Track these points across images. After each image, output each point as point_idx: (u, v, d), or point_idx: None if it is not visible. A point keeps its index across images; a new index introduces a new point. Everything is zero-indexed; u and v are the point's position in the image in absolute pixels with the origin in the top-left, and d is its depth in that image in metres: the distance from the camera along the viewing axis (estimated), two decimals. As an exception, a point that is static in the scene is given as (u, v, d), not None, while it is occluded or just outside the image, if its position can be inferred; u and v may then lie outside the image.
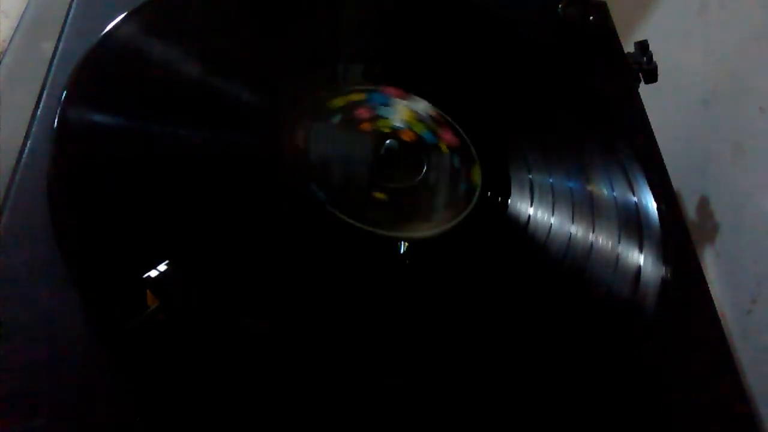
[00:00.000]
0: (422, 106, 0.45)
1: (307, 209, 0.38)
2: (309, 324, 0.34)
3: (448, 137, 0.44)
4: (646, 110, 0.53)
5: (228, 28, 0.45)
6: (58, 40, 0.40)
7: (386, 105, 0.44)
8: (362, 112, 0.43)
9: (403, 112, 0.44)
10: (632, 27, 0.78)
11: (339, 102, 0.43)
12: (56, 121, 0.35)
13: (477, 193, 0.42)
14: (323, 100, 0.43)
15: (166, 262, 0.31)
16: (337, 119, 0.43)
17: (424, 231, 0.39)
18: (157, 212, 0.35)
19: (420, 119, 0.44)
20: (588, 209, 0.43)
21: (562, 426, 0.34)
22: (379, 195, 0.40)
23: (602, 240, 0.42)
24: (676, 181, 0.50)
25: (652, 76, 0.54)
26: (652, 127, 0.52)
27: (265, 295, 0.34)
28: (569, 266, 0.40)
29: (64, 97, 0.36)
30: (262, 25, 0.46)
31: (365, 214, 0.38)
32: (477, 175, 0.42)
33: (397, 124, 0.43)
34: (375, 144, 0.42)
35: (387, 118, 0.43)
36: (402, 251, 0.38)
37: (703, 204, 0.62)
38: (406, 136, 0.43)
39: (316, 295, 0.35)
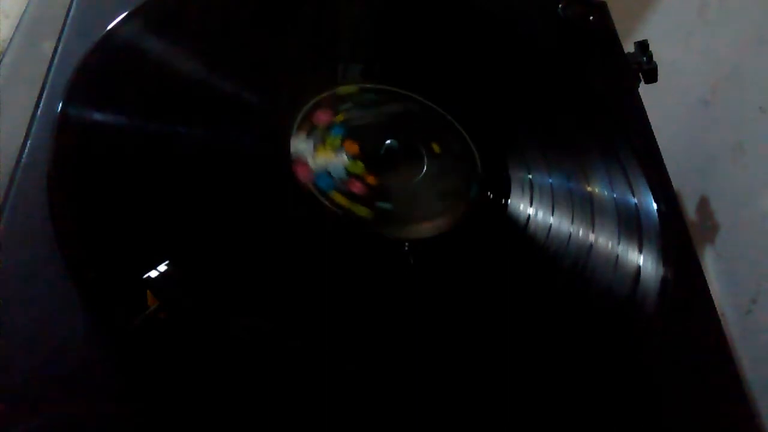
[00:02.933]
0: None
1: (294, 190, 0.38)
2: (309, 324, 0.34)
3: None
4: (646, 110, 0.53)
5: (228, 28, 0.45)
6: (58, 40, 0.40)
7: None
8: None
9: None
10: (632, 27, 0.78)
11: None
12: (56, 121, 0.35)
13: (465, 213, 0.41)
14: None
15: (167, 262, 0.31)
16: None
17: (424, 231, 0.39)
18: (157, 212, 0.35)
19: None
20: (588, 209, 0.43)
21: (563, 426, 0.34)
22: (384, 205, 0.40)
23: (602, 240, 0.42)
24: (676, 181, 0.50)
25: (652, 76, 0.54)
26: (652, 127, 0.52)
27: (266, 295, 0.34)
28: (569, 266, 0.40)
29: (64, 97, 0.36)
30: (262, 25, 0.46)
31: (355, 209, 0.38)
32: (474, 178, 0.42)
33: None
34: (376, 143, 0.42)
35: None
36: (404, 251, 0.38)
37: (703, 204, 0.62)
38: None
39: (317, 295, 0.35)
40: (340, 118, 0.42)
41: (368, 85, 0.44)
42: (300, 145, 0.39)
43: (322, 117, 0.41)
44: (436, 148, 0.43)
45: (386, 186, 0.41)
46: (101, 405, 0.29)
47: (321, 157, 0.40)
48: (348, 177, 0.40)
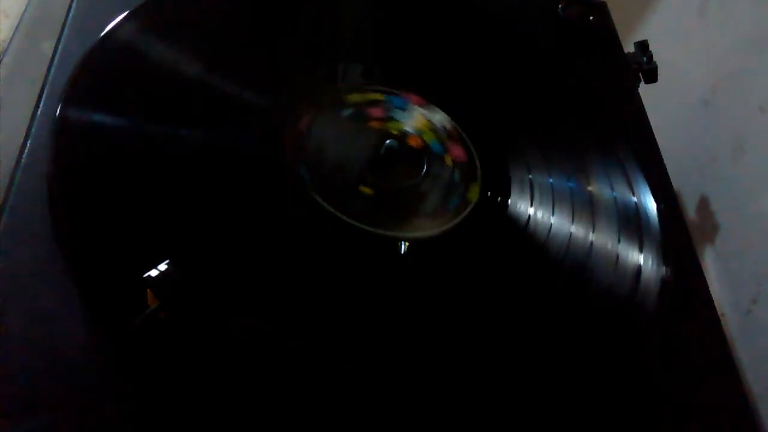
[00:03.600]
0: (439, 117, 0.45)
1: (292, 191, 0.38)
2: (309, 324, 0.34)
3: (456, 152, 0.43)
4: (646, 110, 0.53)
5: (228, 28, 0.45)
6: (58, 40, 0.40)
7: (403, 109, 0.44)
8: (375, 111, 0.43)
9: (418, 119, 0.44)
10: (632, 27, 0.78)
11: (356, 97, 0.44)
12: (56, 121, 0.35)
13: (466, 212, 0.41)
14: (341, 93, 0.44)
15: (167, 261, 0.31)
16: (347, 112, 0.43)
17: (425, 231, 0.39)
18: (157, 212, 0.35)
19: (433, 129, 0.44)
20: (588, 209, 0.43)
21: (563, 426, 0.34)
22: (365, 189, 0.40)
23: (602, 240, 0.42)
24: (676, 181, 0.50)
25: (652, 76, 0.54)
26: (652, 127, 0.52)
27: (266, 295, 0.34)
28: (569, 266, 0.40)
29: (64, 97, 0.36)
30: (262, 25, 0.46)
31: (347, 206, 0.38)
32: (474, 194, 0.42)
33: (408, 129, 0.43)
34: (377, 142, 0.42)
35: (399, 122, 0.43)
36: (402, 251, 0.38)
37: (703, 204, 0.62)
38: (413, 142, 0.43)
39: (317, 295, 0.35)
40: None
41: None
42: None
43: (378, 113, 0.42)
44: (441, 159, 0.43)
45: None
46: (101, 405, 0.29)
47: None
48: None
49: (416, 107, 0.45)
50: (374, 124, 0.43)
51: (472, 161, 0.44)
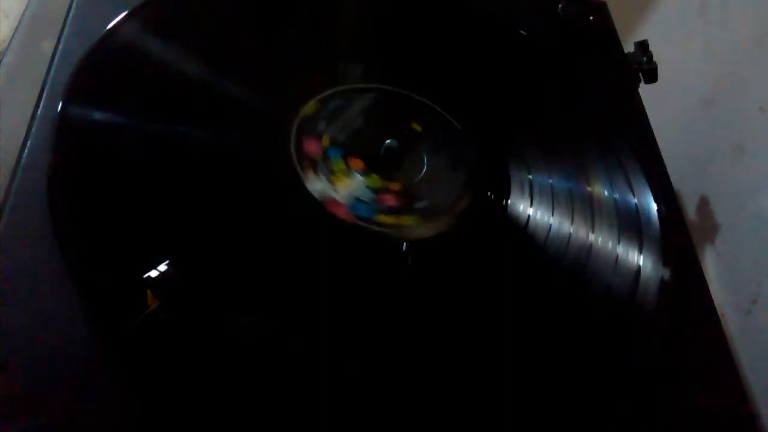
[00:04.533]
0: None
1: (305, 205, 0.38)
2: (309, 324, 0.34)
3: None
4: (646, 110, 0.53)
5: (228, 28, 0.45)
6: (58, 40, 0.40)
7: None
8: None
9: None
10: (632, 27, 0.78)
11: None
12: (56, 121, 0.35)
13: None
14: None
15: (167, 262, 0.31)
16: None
17: (424, 231, 0.39)
18: (157, 212, 0.35)
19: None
20: (588, 209, 0.43)
21: (563, 426, 0.34)
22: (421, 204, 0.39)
23: (602, 240, 0.42)
24: (676, 181, 0.50)
25: (652, 76, 0.54)
26: (652, 127, 0.52)
27: (266, 295, 0.34)
28: (569, 266, 0.40)
29: (65, 96, 0.36)
30: (262, 25, 0.46)
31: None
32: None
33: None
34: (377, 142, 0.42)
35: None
36: (403, 251, 0.38)
37: (703, 204, 0.62)
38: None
39: (317, 295, 0.35)
40: (326, 141, 0.41)
41: (324, 95, 0.43)
42: (316, 185, 0.38)
43: (312, 147, 0.40)
44: (416, 126, 0.43)
45: (410, 185, 0.41)
46: (101, 405, 0.29)
47: (341, 186, 0.39)
48: (376, 194, 0.40)
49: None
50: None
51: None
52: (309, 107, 0.42)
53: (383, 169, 0.41)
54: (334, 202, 0.38)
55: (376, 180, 0.40)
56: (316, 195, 0.38)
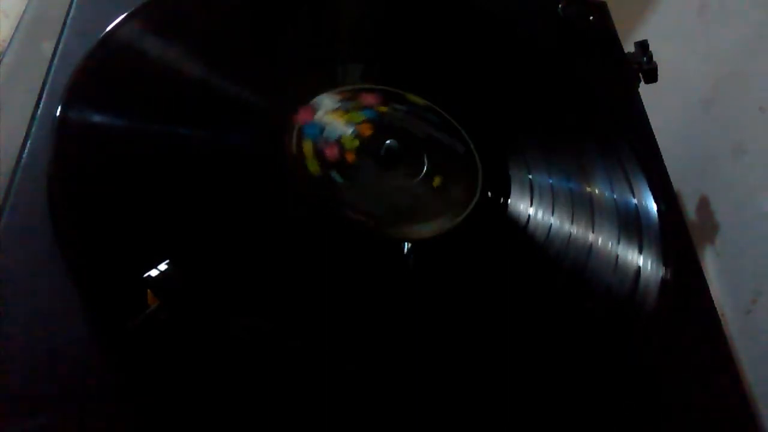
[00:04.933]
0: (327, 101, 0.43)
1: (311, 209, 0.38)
2: (309, 324, 0.34)
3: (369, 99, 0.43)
4: (646, 110, 0.53)
5: (228, 28, 0.45)
6: (58, 40, 0.40)
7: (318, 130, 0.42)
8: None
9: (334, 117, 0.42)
10: (632, 27, 0.78)
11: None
12: (56, 121, 0.35)
13: (466, 212, 0.41)
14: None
15: (167, 261, 0.31)
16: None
17: (425, 231, 0.39)
18: (157, 212, 0.35)
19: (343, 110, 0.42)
20: (588, 209, 0.43)
21: (563, 426, 0.34)
22: (335, 176, 0.39)
23: (602, 240, 0.42)
24: (676, 181, 0.50)
25: (652, 76, 0.54)
26: (652, 127, 0.52)
27: (266, 295, 0.34)
28: (569, 266, 0.40)
29: (64, 97, 0.36)
30: (262, 25, 0.46)
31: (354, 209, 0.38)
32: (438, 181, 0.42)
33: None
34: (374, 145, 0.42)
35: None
36: (405, 252, 0.38)
37: (703, 204, 0.62)
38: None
39: (317, 295, 0.35)
40: (383, 108, 0.42)
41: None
42: (326, 100, 0.39)
43: (371, 100, 0.41)
44: (437, 181, 0.43)
45: (355, 167, 0.40)
46: (101, 405, 0.29)
47: (330, 117, 0.40)
48: (333, 142, 0.40)
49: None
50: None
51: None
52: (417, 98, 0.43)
53: (382, 168, 0.41)
54: (310, 112, 0.39)
55: (352, 143, 0.41)
56: (313, 99, 0.39)
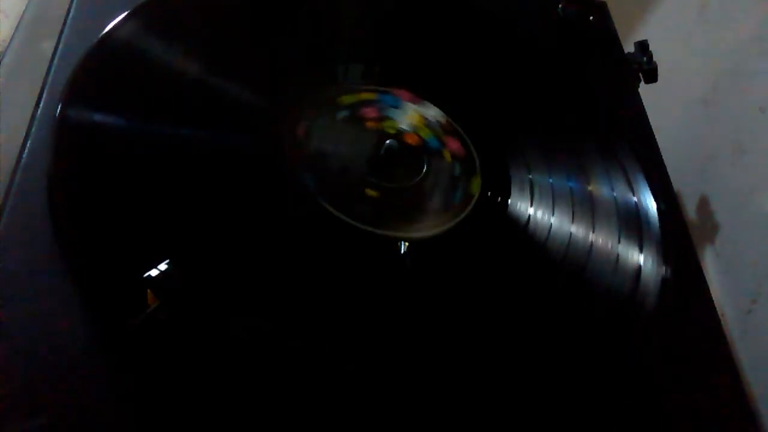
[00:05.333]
0: (433, 112, 0.45)
1: (299, 199, 0.38)
2: (309, 324, 0.34)
3: (454, 146, 0.43)
4: (646, 110, 0.53)
5: (228, 28, 0.45)
6: (58, 40, 0.40)
7: (396, 107, 0.44)
8: (370, 111, 0.43)
9: (412, 116, 0.44)
10: (632, 27, 0.78)
11: (349, 99, 0.44)
12: (56, 121, 0.35)
13: (473, 202, 0.41)
14: (334, 96, 0.43)
15: (167, 261, 0.31)
16: (343, 115, 0.43)
17: (425, 231, 0.39)
18: (157, 212, 0.35)
19: (428, 125, 0.44)
20: (588, 209, 0.43)
21: (563, 426, 0.34)
22: (371, 192, 0.40)
23: (602, 240, 0.42)
24: (676, 181, 0.50)
25: (652, 76, 0.54)
26: (652, 127, 0.52)
27: (266, 295, 0.34)
28: (569, 266, 0.40)
29: (64, 97, 0.36)
30: (262, 25, 0.46)
31: (355, 209, 0.38)
32: (476, 186, 0.42)
33: (404, 126, 0.43)
34: (376, 143, 0.42)
35: (394, 120, 0.43)
36: (402, 251, 0.38)
37: (703, 204, 0.62)
38: (411, 140, 0.43)
39: (317, 295, 0.35)
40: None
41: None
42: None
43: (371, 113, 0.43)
44: (440, 155, 0.43)
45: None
46: (101, 405, 0.29)
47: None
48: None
49: (409, 104, 0.45)
50: (370, 125, 0.43)
51: (470, 154, 0.44)
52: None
53: (384, 169, 0.41)
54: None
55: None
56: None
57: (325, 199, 0.38)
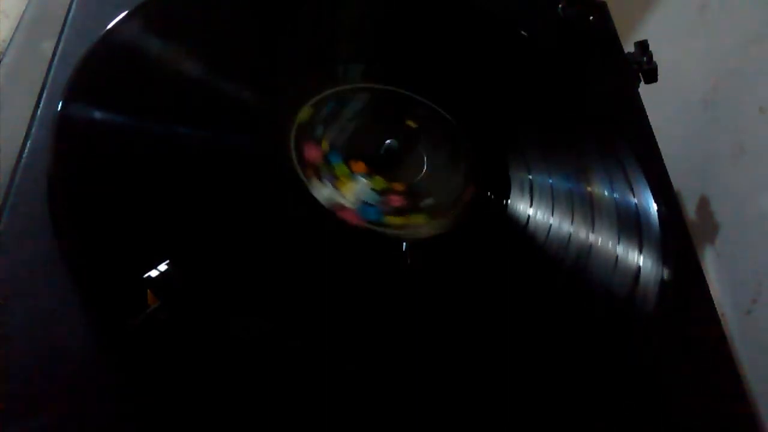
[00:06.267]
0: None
1: (292, 189, 0.38)
2: (309, 324, 0.34)
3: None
4: (646, 110, 0.53)
5: (228, 28, 0.45)
6: (58, 40, 0.40)
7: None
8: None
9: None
10: (632, 27, 0.78)
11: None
12: (56, 121, 0.35)
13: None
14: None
15: (167, 261, 0.31)
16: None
17: (425, 231, 0.39)
18: (157, 212, 0.35)
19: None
20: (588, 209, 0.43)
21: (563, 426, 0.34)
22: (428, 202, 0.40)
23: (602, 240, 0.42)
24: (676, 181, 0.50)
25: (652, 76, 0.54)
26: (652, 127, 0.52)
27: (266, 295, 0.34)
28: (569, 266, 0.40)
29: (64, 97, 0.36)
30: (262, 25, 0.46)
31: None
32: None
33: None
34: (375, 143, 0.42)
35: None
36: (403, 251, 0.38)
37: (703, 204, 0.62)
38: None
39: (317, 295, 0.35)
40: (325, 145, 0.41)
41: (317, 98, 0.43)
42: (323, 191, 0.38)
43: (313, 153, 0.40)
44: (411, 123, 0.43)
45: (414, 184, 0.41)
46: (101, 405, 0.29)
47: (347, 191, 0.39)
48: (382, 196, 0.40)
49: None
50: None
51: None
52: (304, 113, 0.42)
53: (384, 169, 0.41)
54: (343, 208, 0.38)
55: (379, 182, 0.40)
56: (323, 202, 0.38)
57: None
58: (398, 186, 0.41)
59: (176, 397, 0.30)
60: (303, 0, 0.49)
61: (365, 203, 0.39)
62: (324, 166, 0.40)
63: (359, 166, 0.41)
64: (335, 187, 0.39)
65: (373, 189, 0.40)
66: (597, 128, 0.50)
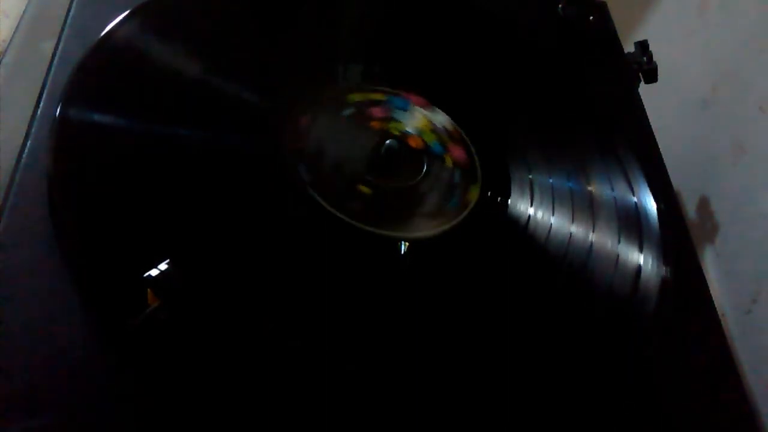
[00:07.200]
0: (440, 118, 0.45)
1: (292, 191, 0.38)
2: (309, 324, 0.34)
3: (457, 153, 0.43)
4: (646, 110, 0.53)
5: (228, 28, 0.45)
6: (58, 40, 0.40)
7: (404, 110, 0.44)
8: (376, 111, 0.43)
9: (419, 119, 0.44)
10: (632, 27, 0.78)
11: (357, 97, 0.44)
12: (56, 121, 0.35)
13: (466, 212, 0.41)
14: (342, 93, 0.44)
15: (167, 261, 0.31)
16: (348, 112, 0.43)
17: (424, 231, 0.39)
18: (157, 212, 0.35)
19: (434, 130, 0.44)
20: (588, 209, 0.43)
21: (563, 426, 0.34)
22: (363, 189, 0.40)
23: (602, 240, 0.42)
24: (676, 181, 0.50)
25: (652, 76, 0.54)
26: (652, 127, 0.52)
27: (266, 295, 0.34)
28: (569, 266, 0.40)
29: (64, 97, 0.36)
30: (262, 25, 0.46)
31: (346, 205, 0.38)
32: (474, 195, 0.42)
33: (409, 129, 0.43)
34: (377, 142, 0.42)
35: (400, 122, 0.43)
36: (402, 251, 0.38)
37: (703, 204, 0.62)
38: (414, 142, 0.43)
39: (317, 295, 0.35)
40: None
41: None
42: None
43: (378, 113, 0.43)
44: (441, 160, 0.43)
45: (414, 184, 0.42)
46: (101, 405, 0.29)
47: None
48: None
49: (417, 108, 0.45)
50: (375, 124, 0.43)
51: (473, 162, 0.44)
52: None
53: (384, 169, 0.41)
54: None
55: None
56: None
57: (316, 191, 0.38)
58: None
59: (176, 397, 0.30)
60: (303, 0, 0.49)
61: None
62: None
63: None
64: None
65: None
66: (597, 128, 0.50)
